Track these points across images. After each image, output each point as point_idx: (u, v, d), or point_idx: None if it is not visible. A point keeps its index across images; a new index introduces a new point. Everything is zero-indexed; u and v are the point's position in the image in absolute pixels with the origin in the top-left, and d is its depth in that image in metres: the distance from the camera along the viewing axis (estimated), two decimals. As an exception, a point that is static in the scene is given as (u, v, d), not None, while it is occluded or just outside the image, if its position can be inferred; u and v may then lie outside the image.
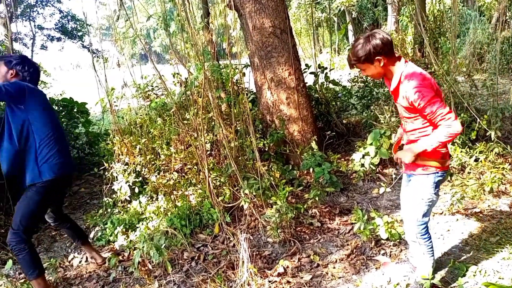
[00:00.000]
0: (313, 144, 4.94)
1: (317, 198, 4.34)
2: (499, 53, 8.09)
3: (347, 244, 3.76)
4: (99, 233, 4.50)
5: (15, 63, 3.23)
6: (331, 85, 6.75)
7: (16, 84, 3.04)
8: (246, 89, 5.73)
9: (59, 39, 9.99)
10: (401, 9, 14.92)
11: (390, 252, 3.51)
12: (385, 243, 3.64)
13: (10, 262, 3.86)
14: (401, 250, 3.52)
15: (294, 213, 4.01)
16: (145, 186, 5.06)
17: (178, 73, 5.61)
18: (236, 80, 5.50)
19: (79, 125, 7.31)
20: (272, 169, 4.79)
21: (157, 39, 49.24)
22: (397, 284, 3.05)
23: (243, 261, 3.29)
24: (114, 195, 5.11)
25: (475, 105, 5.82)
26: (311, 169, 4.78)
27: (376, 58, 2.42)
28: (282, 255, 3.69)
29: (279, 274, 3.36)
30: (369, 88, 7.13)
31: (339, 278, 3.28)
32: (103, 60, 5.39)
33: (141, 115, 5.60)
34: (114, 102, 5.42)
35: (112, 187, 5.11)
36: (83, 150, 7.20)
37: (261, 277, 3.32)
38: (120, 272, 3.76)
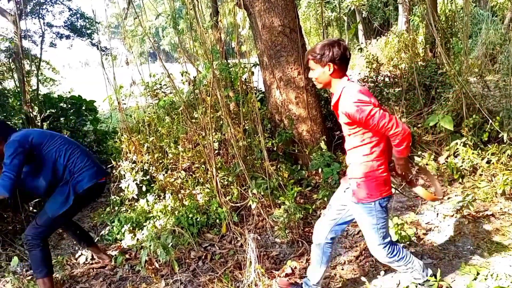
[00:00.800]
0: (322, 144, 4.89)
1: (325, 199, 4.29)
2: None
3: (356, 246, 3.71)
4: (106, 231, 4.49)
5: None
6: (340, 85, 6.69)
7: (10, 160, 2.99)
8: (255, 88, 5.70)
9: (68, 37, 10.01)
10: (412, 9, 14.79)
11: (400, 254, 3.46)
12: (394, 245, 3.58)
13: (15, 258, 3.86)
14: (411, 252, 3.46)
15: (303, 213, 3.97)
16: (152, 185, 5.05)
17: (186, 72, 5.60)
18: (245, 79, 5.47)
19: (87, 123, 7.33)
20: (281, 169, 4.75)
21: (166, 38, 49.33)
22: (407, 287, 3.00)
23: (250, 261, 3.26)
24: (121, 193, 5.11)
25: (487, 106, 5.74)
26: (320, 169, 4.74)
27: (329, 63, 2.43)
28: (290, 255, 3.65)
29: (286, 275, 3.33)
30: (379, 88, 7.06)
31: (348, 280, 3.24)
32: (112, 58, 5.39)
33: (149, 114, 5.59)
34: (123, 100, 5.42)
35: (120, 185, 5.11)
36: (91, 148, 7.22)
37: (269, 278, 3.29)
38: (127, 270, 3.75)
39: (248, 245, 3.32)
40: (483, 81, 6.64)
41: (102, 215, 4.82)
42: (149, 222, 4.35)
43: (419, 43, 10.19)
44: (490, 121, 4.91)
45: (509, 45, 6.05)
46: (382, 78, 7.65)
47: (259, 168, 4.55)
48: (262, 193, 4.21)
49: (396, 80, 7.35)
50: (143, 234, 4.22)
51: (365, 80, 7.65)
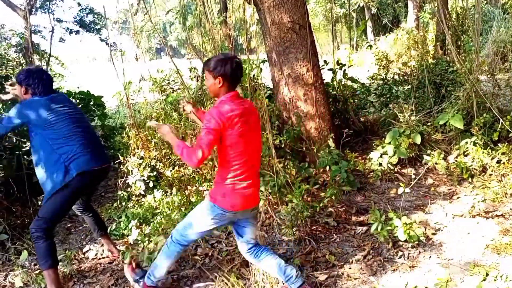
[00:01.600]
0: (330, 142, 4.86)
1: (333, 197, 4.27)
2: (523, 52, 7.89)
3: (364, 245, 3.68)
4: (114, 227, 4.50)
5: (22, 79, 3.25)
6: (349, 82, 6.65)
7: (8, 118, 3.16)
8: (263, 85, 5.67)
9: (77, 32, 10.07)
10: (422, 6, 14.67)
11: (408, 254, 3.43)
12: (402, 244, 3.56)
13: (25, 252, 3.89)
14: (419, 252, 3.44)
15: (310, 211, 3.95)
16: (159, 181, 5.05)
17: (194, 68, 5.59)
18: (253, 75, 5.45)
19: (95, 118, 7.34)
20: (288, 166, 4.72)
21: (173, 33, 49.31)
22: (415, 287, 2.98)
23: (257, 259, 3.25)
24: (129, 189, 5.12)
25: (497, 105, 5.67)
26: (327, 167, 4.71)
27: (219, 77, 2.61)
28: (297, 254, 3.64)
29: (293, 273, 3.31)
30: (388, 86, 7.01)
31: (355, 279, 3.22)
32: (121, 53, 5.39)
33: (157, 109, 5.59)
34: (131, 95, 5.42)
35: (127, 181, 5.12)
36: (99, 143, 7.23)
37: (275, 276, 3.27)
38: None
39: (255, 242, 3.31)
40: (494, 79, 6.55)
41: (109, 211, 4.84)
42: (156, 218, 4.35)
43: (429, 41, 10.10)
44: (501, 120, 4.86)
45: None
46: (391, 76, 7.59)
47: (266, 165, 4.53)
48: (269, 191, 4.19)
49: (406, 77, 7.28)
50: (150, 229, 4.22)
51: (373, 77, 7.60)
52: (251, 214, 2.91)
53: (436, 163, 4.85)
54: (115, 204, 4.96)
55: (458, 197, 4.42)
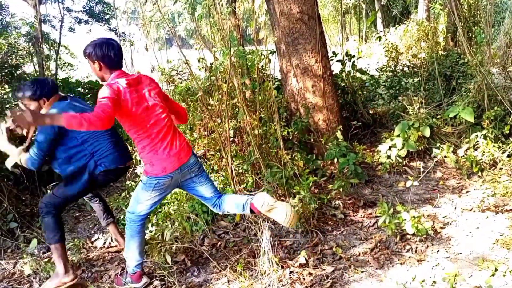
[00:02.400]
0: (338, 134, 4.83)
1: (341, 189, 4.26)
2: (536, 44, 7.74)
3: (371, 238, 3.67)
4: (122, 216, 4.53)
5: (33, 94, 3.18)
6: (358, 74, 6.60)
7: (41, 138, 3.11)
8: (271, 76, 5.64)
9: (86, 22, 10.04)
10: (433, -3, 14.46)
11: (416, 248, 3.41)
12: (410, 238, 3.54)
13: (35, 241, 3.93)
14: (427, 246, 3.42)
15: (317, 203, 3.94)
16: (167, 171, 5.05)
17: (203, 58, 5.56)
18: (262, 66, 5.42)
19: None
20: (296, 158, 4.71)
21: (182, 23, 49.17)
22: (423, 281, 2.96)
23: (264, 250, 3.26)
24: (137, 179, 5.13)
25: (509, 98, 5.59)
26: (335, 160, 4.69)
27: (96, 61, 2.72)
28: (304, 245, 3.64)
29: (300, 265, 3.31)
30: (397, 78, 6.94)
31: (362, 272, 3.21)
32: (130, 43, 5.38)
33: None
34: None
35: (135, 171, 5.13)
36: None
37: (282, 267, 3.27)
38: (142, 255, 3.77)
39: (262, 234, 3.32)
40: (505, 72, 6.45)
41: (117, 200, 4.86)
42: (164, 208, 4.37)
43: (439, 32, 9.97)
44: (512, 113, 4.79)
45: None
46: (401, 68, 7.52)
47: (274, 156, 4.52)
48: (277, 182, 4.18)
49: (416, 69, 7.21)
50: (157, 219, 4.24)
51: (383, 69, 7.53)
52: (190, 172, 2.99)
53: (445, 157, 4.81)
54: (123, 194, 4.98)
55: (467, 191, 4.38)
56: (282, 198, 4.20)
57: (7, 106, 5.11)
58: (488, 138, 4.79)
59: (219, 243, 3.79)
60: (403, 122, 5.06)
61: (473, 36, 7.11)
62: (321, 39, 5.08)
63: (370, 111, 6.65)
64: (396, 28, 16.66)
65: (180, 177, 2.94)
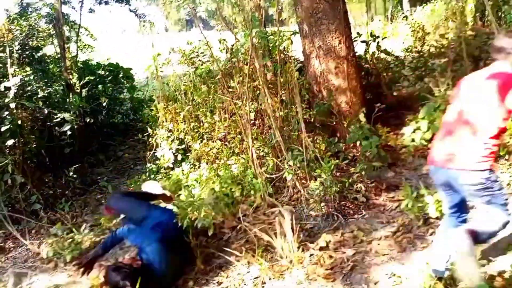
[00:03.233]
0: (361, 117, 4.74)
1: (363, 173, 4.19)
2: None
3: (393, 221, 3.61)
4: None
5: None
6: (382, 55, 6.43)
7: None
8: (294, 57, 5.55)
9: (106, 3, 10.01)
10: (461, -25, 13.95)
11: (439, 232, 3.34)
12: (434, 222, 3.46)
13: (59, 224, 4.01)
14: (451, 231, 3.34)
15: (339, 187, 3.89)
16: (188, 154, 5.08)
17: (224, 40, 5.50)
18: (284, 48, 5.33)
19: (124, 91, 7.40)
20: (317, 141, 4.65)
21: (203, 4, 48.90)
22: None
23: (285, 233, 3.24)
24: (157, 162, 5.17)
25: (541, 79, 5.36)
26: (358, 142, 4.60)
27: None
28: (325, 229, 3.61)
29: (321, 248, 3.29)
30: (424, 59, 6.74)
31: (384, 255, 3.17)
32: (150, 25, 5.36)
33: (185, 82, 5.57)
34: (160, 68, 5.41)
35: (156, 154, 5.17)
36: (128, 116, 7.32)
37: (303, 250, 3.26)
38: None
39: (283, 216, 3.30)
40: (537, 52, 6.20)
41: (138, 183, 4.91)
42: (185, 191, 4.39)
43: (468, 11, 9.62)
44: (545, 95, 4.59)
45: None
46: (427, 48, 7.29)
47: (295, 139, 4.47)
48: (298, 165, 4.14)
49: (443, 50, 6.98)
50: (177, 202, 4.27)
51: (408, 50, 7.33)
52: None
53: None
54: (143, 177, 5.03)
55: (494, 175, 4.25)
56: (303, 181, 4.17)
57: (28, 88, 5.16)
58: (517, 121, 4.62)
59: (239, 226, 3.79)
60: (428, 104, 4.92)
61: (503, 15, 6.84)
62: (344, 19, 4.95)
63: (395, 93, 6.49)
64: (423, 7, 16.14)
65: None
